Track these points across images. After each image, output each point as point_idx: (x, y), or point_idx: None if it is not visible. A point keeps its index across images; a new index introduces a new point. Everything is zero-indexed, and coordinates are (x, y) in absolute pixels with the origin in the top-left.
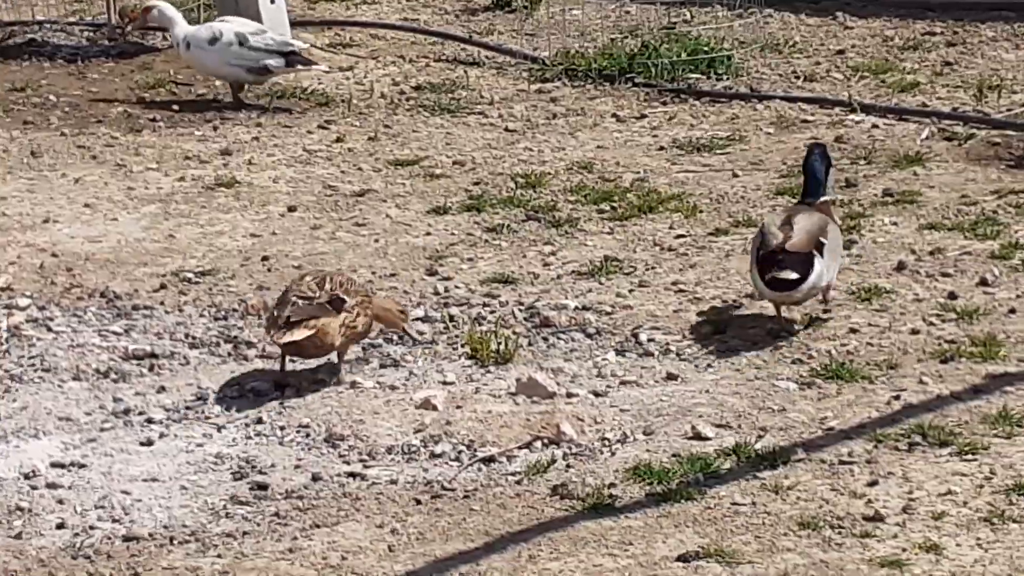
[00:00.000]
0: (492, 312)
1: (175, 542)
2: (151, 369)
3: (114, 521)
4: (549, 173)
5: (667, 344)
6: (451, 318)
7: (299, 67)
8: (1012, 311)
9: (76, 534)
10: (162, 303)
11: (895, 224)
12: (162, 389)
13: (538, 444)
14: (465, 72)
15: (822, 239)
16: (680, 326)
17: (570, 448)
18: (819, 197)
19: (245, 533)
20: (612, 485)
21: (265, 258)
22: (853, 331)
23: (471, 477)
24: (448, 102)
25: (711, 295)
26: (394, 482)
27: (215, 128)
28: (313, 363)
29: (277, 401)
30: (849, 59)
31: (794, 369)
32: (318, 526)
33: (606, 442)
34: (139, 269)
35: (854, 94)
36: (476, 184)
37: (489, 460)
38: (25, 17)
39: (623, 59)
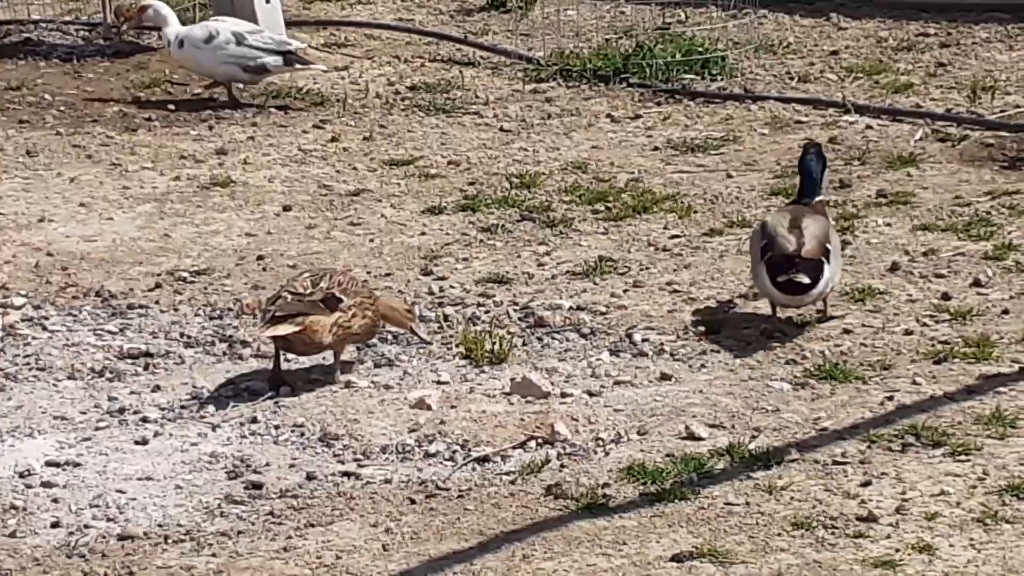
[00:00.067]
0: (487, 312)
1: (170, 541)
2: (146, 368)
3: (109, 520)
4: (544, 173)
5: (661, 344)
6: (446, 318)
7: (297, 66)
8: (1005, 312)
9: (71, 533)
10: (157, 302)
11: (889, 225)
12: (157, 388)
13: (532, 444)
14: (460, 72)
15: (828, 245)
16: (674, 326)
17: (564, 448)
18: (815, 197)
19: (240, 532)
20: (606, 485)
21: (260, 257)
22: (847, 332)
23: (465, 477)
24: (443, 102)
25: (705, 295)
26: (388, 481)
27: (210, 128)
28: (307, 362)
29: (272, 400)
30: (843, 60)
31: (788, 369)
32: (312, 525)
33: (600, 442)
34: (134, 268)
35: (848, 95)
36: (471, 184)
37: (483, 460)
38: (21, 16)
39: (618, 59)
